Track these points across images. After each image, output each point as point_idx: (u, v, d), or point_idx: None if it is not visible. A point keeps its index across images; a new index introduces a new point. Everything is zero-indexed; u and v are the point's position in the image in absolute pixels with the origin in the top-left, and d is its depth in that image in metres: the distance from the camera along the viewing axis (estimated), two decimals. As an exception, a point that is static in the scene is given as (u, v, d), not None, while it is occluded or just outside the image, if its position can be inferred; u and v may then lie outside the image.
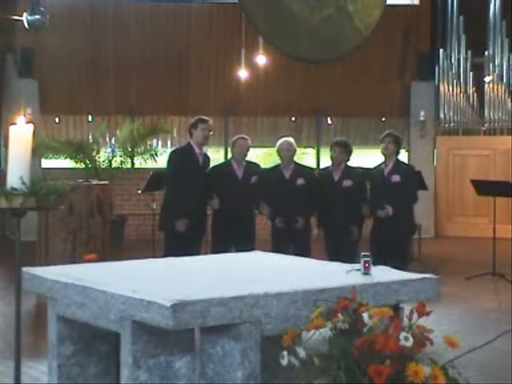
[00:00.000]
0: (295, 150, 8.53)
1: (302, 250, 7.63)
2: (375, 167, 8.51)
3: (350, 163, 8.47)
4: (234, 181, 8.31)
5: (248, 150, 8.45)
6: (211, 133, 8.37)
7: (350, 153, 8.42)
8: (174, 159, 8.30)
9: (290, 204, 8.19)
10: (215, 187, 8.24)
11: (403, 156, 15.25)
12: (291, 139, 8.59)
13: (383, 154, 8.29)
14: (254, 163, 8.78)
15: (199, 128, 8.15)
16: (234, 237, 8.05)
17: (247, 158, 8.57)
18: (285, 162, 8.42)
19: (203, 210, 8.32)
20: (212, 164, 8.58)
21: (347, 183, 8.29)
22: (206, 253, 8.32)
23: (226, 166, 8.75)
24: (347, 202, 8.14)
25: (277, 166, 8.61)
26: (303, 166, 8.84)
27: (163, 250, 8.10)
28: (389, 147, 8.24)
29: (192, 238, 8.03)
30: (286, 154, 8.40)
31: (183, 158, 8.23)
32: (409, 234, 8.72)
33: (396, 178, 8.16)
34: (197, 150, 8.20)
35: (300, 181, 8.34)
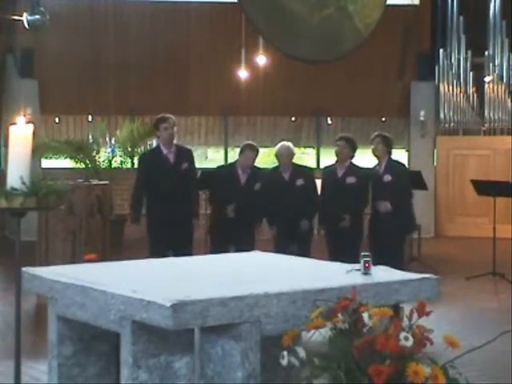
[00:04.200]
0: (294, 154, 8.56)
1: (305, 250, 7.64)
2: (371, 168, 8.55)
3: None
4: (236, 186, 8.31)
5: (254, 161, 8.43)
6: (175, 128, 8.17)
7: (354, 149, 8.40)
8: (141, 164, 8.36)
9: (291, 205, 8.19)
10: (216, 188, 8.23)
11: (403, 156, 15.30)
12: (289, 144, 8.59)
13: (374, 154, 8.36)
14: (259, 168, 8.76)
15: (161, 128, 8.04)
16: (233, 237, 8.05)
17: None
18: (283, 166, 8.46)
19: (184, 212, 8.04)
20: (216, 164, 8.52)
21: (351, 180, 8.28)
22: (205, 253, 8.31)
23: (230, 168, 8.73)
24: (348, 199, 8.13)
25: (276, 168, 8.64)
26: (302, 167, 8.85)
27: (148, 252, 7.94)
28: (378, 148, 8.32)
29: (175, 238, 7.86)
30: (285, 160, 8.43)
31: (150, 161, 8.20)
32: (405, 233, 8.72)
33: (388, 177, 8.22)
34: (164, 151, 8.08)
35: (299, 181, 8.36)
